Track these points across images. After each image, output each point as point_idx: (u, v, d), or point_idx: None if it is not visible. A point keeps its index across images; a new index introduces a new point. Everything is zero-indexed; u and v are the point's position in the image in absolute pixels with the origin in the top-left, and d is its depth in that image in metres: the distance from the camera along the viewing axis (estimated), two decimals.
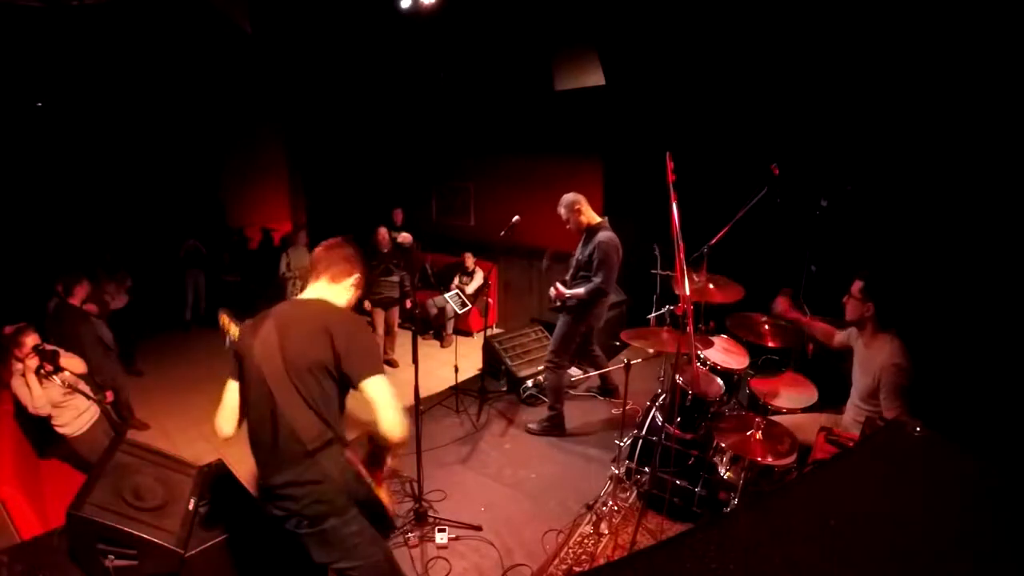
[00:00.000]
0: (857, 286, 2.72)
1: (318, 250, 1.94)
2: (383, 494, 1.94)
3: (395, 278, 5.80)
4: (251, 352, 1.79)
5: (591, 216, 3.79)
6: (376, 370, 1.77)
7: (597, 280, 3.65)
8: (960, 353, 3.24)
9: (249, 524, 2.45)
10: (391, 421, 1.71)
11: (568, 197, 3.79)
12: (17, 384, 3.13)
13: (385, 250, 5.77)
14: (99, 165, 7.52)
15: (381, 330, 5.93)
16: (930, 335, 2.94)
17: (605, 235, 3.69)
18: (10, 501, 2.57)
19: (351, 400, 1.88)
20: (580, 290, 3.74)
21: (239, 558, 2.39)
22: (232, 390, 1.91)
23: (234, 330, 2.25)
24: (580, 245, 3.86)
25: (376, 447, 1.95)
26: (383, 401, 1.72)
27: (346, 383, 1.79)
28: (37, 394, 3.10)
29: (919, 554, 0.56)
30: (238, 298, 7.99)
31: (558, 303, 3.94)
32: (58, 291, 4.10)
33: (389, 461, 2.03)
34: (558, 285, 3.89)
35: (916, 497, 0.65)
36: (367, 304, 5.80)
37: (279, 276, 6.48)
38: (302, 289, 6.25)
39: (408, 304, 6.02)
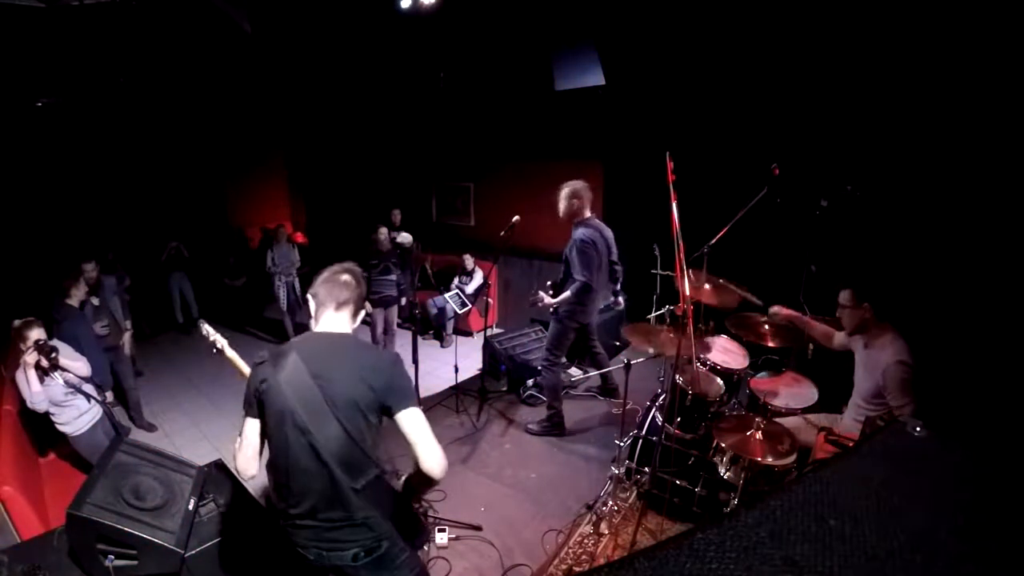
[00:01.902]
0: (845, 295, 2.74)
1: (317, 284, 1.85)
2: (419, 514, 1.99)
3: (393, 277, 5.81)
4: (279, 390, 1.68)
5: (577, 211, 3.80)
6: (412, 403, 1.74)
7: (580, 277, 3.66)
8: (961, 350, 3.24)
9: (249, 524, 2.46)
10: (432, 458, 1.69)
11: (568, 187, 3.81)
12: (20, 377, 3.14)
13: (384, 249, 5.79)
14: (99, 165, 7.53)
15: (380, 329, 5.94)
16: (930, 332, 2.94)
17: (580, 231, 3.72)
18: (10, 501, 2.57)
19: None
20: (567, 293, 3.77)
21: (239, 558, 2.39)
22: (253, 428, 1.79)
23: (221, 341, 2.29)
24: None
25: (410, 485, 1.87)
26: (422, 436, 1.70)
27: (384, 414, 1.76)
28: (35, 389, 3.10)
29: (919, 554, 0.56)
30: (244, 301, 8.01)
31: (552, 310, 3.95)
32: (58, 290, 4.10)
33: (425, 493, 2.03)
34: (541, 295, 3.92)
35: (916, 497, 0.65)
36: (367, 306, 5.81)
37: (266, 271, 6.63)
38: (286, 284, 6.32)
39: (404, 302, 6.04)
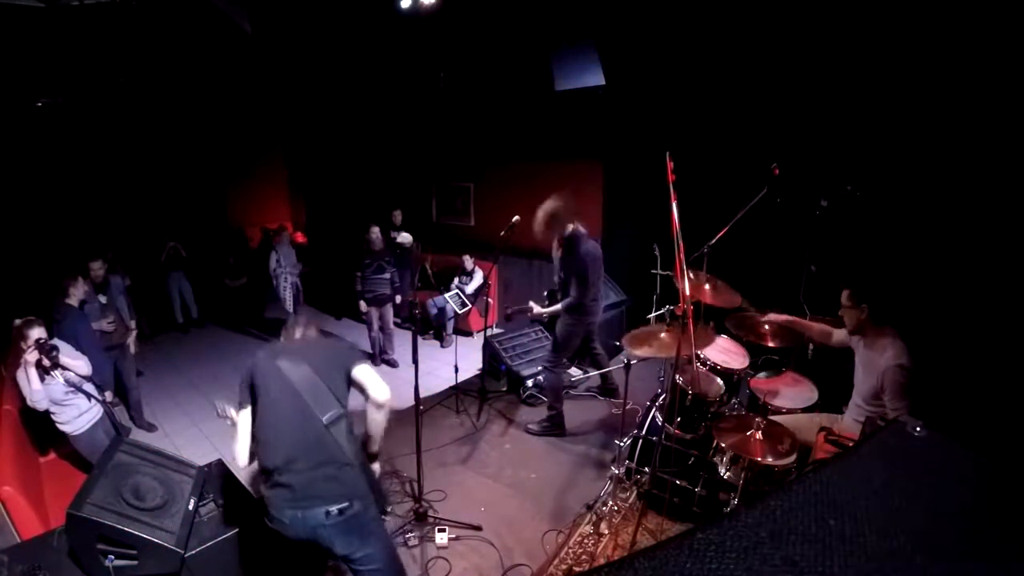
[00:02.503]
0: (845, 295, 2.75)
1: (299, 326, 2.37)
2: (376, 467, 2.31)
3: (387, 275, 5.82)
4: (269, 362, 2.10)
5: (566, 226, 3.75)
6: (362, 360, 2.20)
7: (575, 294, 3.69)
8: (961, 350, 3.24)
9: (249, 524, 2.45)
10: (378, 390, 2.11)
11: (540, 213, 3.70)
12: (20, 376, 3.15)
13: (376, 248, 5.80)
14: (99, 165, 7.54)
15: (376, 327, 5.94)
16: (930, 332, 2.94)
17: (587, 246, 3.71)
18: (10, 501, 2.57)
19: None
20: (558, 307, 3.80)
21: (239, 558, 2.39)
22: (247, 420, 2.11)
23: (233, 413, 2.39)
24: (560, 253, 3.88)
25: (370, 420, 2.24)
26: (370, 379, 2.14)
27: (349, 382, 2.17)
28: (35, 387, 3.11)
29: (919, 554, 0.56)
30: (244, 302, 8.02)
31: (545, 318, 4.01)
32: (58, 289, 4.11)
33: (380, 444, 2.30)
34: (532, 304, 4.01)
35: (916, 497, 0.65)
36: (362, 304, 5.82)
37: (270, 272, 6.61)
38: (292, 284, 6.29)
39: (398, 300, 6.05)
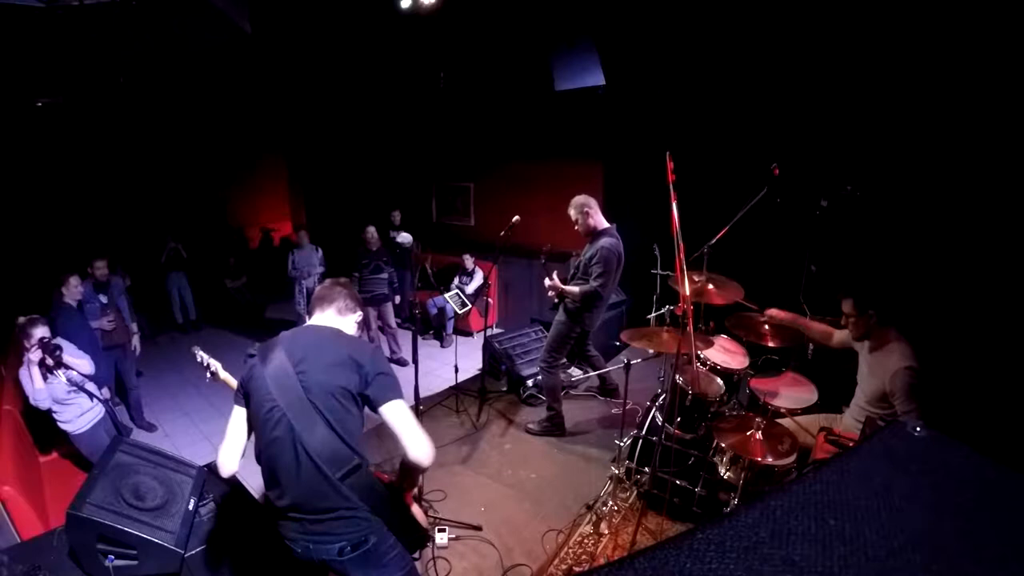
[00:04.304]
0: (847, 306, 2.73)
1: (325, 287, 2.00)
2: (416, 510, 1.98)
3: (385, 275, 5.82)
4: (263, 383, 1.75)
5: (599, 220, 3.78)
6: (397, 395, 1.79)
7: (594, 284, 3.64)
8: (961, 350, 3.24)
9: (249, 524, 2.46)
10: (418, 446, 1.75)
11: (579, 199, 3.79)
12: (23, 374, 3.15)
13: (374, 248, 5.80)
14: (99, 165, 7.54)
15: (374, 327, 5.94)
16: (930, 332, 2.94)
17: (608, 241, 3.68)
18: (10, 501, 2.57)
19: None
20: (575, 289, 3.74)
21: (239, 558, 2.39)
22: (238, 421, 1.84)
23: (215, 364, 2.34)
24: (585, 248, 3.87)
25: (406, 469, 1.93)
26: (407, 426, 1.75)
27: (367, 405, 1.81)
28: (38, 387, 3.12)
29: (919, 554, 0.56)
30: (244, 302, 8.01)
31: (556, 300, 3.95)
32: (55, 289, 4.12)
33: (420, 480, 2.07)
34: (555, 276, 3.88)
35: (916, 497, 0.65)
36: None
37: (287, 276, 6.54)
38: (306, 288, 6.18)
39: (397, 299, 6.04)
